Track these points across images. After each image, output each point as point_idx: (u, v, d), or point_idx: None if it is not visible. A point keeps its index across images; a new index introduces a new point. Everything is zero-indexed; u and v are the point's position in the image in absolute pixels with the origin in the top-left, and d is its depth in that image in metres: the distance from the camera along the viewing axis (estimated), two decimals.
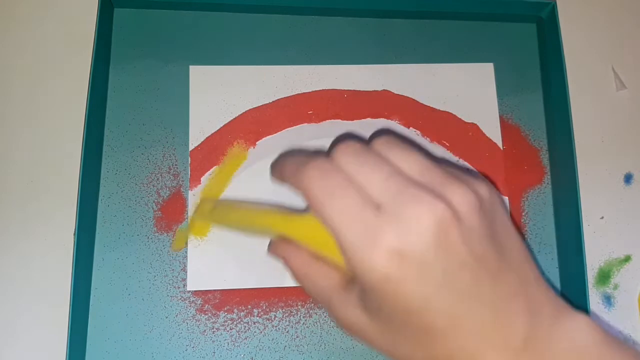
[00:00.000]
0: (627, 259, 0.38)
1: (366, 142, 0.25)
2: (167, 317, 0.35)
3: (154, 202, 0.37)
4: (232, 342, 0.35)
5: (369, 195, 0.23)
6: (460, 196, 0.23)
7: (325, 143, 0.38)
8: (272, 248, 0.29)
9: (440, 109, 0.39)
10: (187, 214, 0.36)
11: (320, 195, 0.23)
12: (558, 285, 0.38)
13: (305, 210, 0.26)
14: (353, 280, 0.25)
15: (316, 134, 0.38)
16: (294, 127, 0.38)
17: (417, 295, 0.22)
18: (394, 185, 0.23)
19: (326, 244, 0.24)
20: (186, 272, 0.36)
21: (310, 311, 0.36)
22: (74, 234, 0.33)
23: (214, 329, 0.35)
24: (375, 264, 0.22)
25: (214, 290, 0.36)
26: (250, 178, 0.37)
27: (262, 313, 0.36)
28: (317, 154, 0.25)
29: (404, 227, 0.22)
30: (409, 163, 0.24)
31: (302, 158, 0.25)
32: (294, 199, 0.37)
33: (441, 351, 0.23)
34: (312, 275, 0.27)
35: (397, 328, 0.24)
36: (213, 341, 0.35)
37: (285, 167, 0.27)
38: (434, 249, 0.22)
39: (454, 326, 0.23)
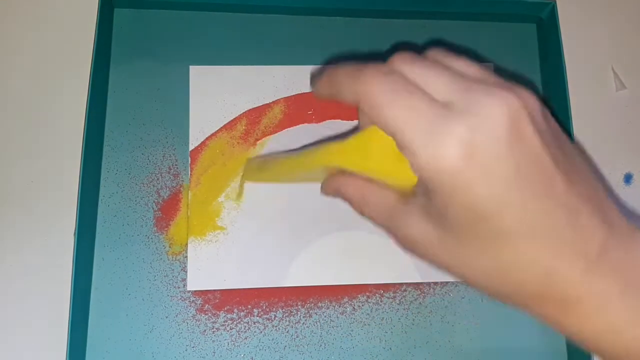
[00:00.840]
0: None
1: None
2: (167, 317, 0.35)
3: (154, 202, 0.37)
4: (232, 342, 0.35)
5: (435, 96, 0.22)
6: (528, 95, 0.22)
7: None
8: (324, 187, 0.28)
9: None
10: (187, 213, 0.36)
11: (383, 96, 0.22)
12: None
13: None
14: (414, 194, 0.24)
15: (316, 134, 0.38)
16: (294, 127, 0.38)
17: (488, 192, 0.21)
18: (461, 84, 0.22)
19: (379, 164, 0.24)
20: (186, 272, 0.36)
21: (310, 311, 0.36)
22: (74, 234, 0.33)
23: (214, 329, 0.35)
24: (444, 160, 0.20)
25: (214, 290, 0.36)
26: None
27: (262, 313, 0.36)
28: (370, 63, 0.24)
29: (475, 120, 0.21)
30: (469, 67, 0.23)
31: (356, 66, 0.24)
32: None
33: (511, 260, 0.22)
34: (369, 196, 0.26)
35: (464, 235, 0.22)
36: (213, 341, 0.35)
37: (337, 75, 0.25)
38: (507, 142, 0.20)
39: (526, 229, 0.21)
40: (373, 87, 0.23)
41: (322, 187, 0.29)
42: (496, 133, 0.21)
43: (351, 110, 0.39)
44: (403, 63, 0.23)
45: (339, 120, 0.39)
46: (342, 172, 0.27)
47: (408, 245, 0.25)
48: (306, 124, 0.38)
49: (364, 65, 0.24)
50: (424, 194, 0.23)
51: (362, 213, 0.27)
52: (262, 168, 0.34)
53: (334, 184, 0.28)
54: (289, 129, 0.38)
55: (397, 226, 0.25)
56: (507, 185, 0.21)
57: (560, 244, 0.22)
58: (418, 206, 0.24)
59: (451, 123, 0.21)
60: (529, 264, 0.22)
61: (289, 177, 0.32)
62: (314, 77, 0.28)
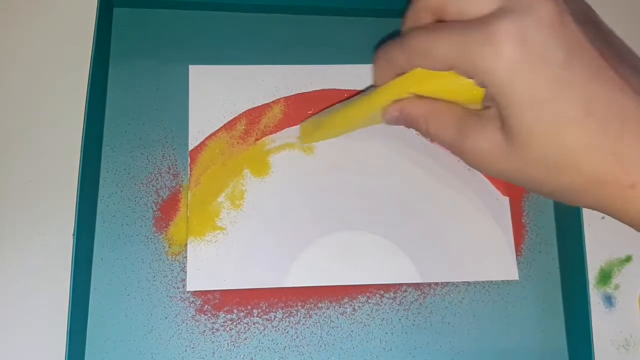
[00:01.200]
0: (628, 259, 0.38)
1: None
2: (166, 318, 0.35)
3: (153, 202, 0.37)
4: (232, 343, 0.35)
5: (479, 13, 0.24)
6: None
7: (325, 143, 0.38)
8: (387, 112, 0.29)
9: None
10: (186, 213, 0.36)
11: (432, 41, 0.25)
12: (559, 285, 0.37)
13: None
14: (483, 108, 0.26)
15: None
16: (294, 127, 0.38)
17: (545, 76, 0.22)
18: None
19: (442, 88, 0.26)
20: (185, 272, 0.35)
21: (310, 312, 0.36)
22: (73, 234, 0.33)
23: (214, 330, 0.35)
24: (502, 55, 0.22)
25: (214, 290, 0.35)
26: (251, 178, 0.37)
27: (261, 313, 0.35)
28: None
29: (521, 15, 0.22)
30: None
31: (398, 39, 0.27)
32: (295, 195, 0.37)
33: (579, 143, 0.23)
34: (436, 111, 0.27)
35: (529, 134, 0.23)
36: (212, 342, 0.35)
37: (386, 56, 0.28)
38: (554, 31, 0.22)
39: (589, 112, 0.22)
40: (420, 45, 0.26)
41: (384, 115, 0.30)
42: (543, 24, 0.22)
43: None
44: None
45: None
46: (404, 99, 0.28)
47: (476, 156, 0.26)
48: None
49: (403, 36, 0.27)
50: (492, 106, 0.25)
51: (427, 130, 0.28)
52: (318, 126, 0.35)
53: (397, 105, 0.29)
54: (288, 128, 0.38)
55: (466, 138, 0.26)
56: (562, 69, 0.22)
57: (621, 126, 0.22)
58: (488, 118, 0.25)
59: (500, 23, 0.22)
60: (592, 148, 0.22)
61: (347, 128, 0.33)
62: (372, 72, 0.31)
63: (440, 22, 0.26)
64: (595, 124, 0.22)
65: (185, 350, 0.35)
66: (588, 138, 0.22)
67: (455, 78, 0.25)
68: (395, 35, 0.29)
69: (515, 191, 0.39)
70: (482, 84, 0.24)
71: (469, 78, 0.24)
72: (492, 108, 0.25)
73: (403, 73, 0.28)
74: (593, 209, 0.25)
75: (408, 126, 0.30)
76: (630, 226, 0.24)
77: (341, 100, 0.37)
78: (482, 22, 0.23)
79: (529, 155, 0.24)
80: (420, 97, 0.28)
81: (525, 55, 0.22)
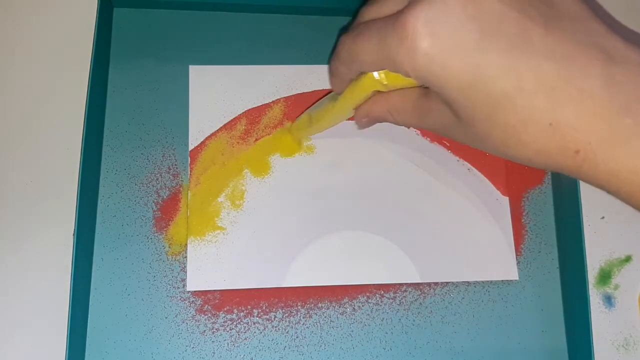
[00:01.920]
0: (628, 259, 0.38)
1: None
2: (166, 318, 0.35)
3: (153, 202, 0.37)
4: (232, 343, 0.35)
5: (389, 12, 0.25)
6: None
7: (325, 143, 0.38)
8: (357, 120, 0.31)
9: None
10: (187, 213, 0.36)
11: (354, 46, 0.26)
12: (559, 285, 0.37)
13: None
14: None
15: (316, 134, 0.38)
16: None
17: (464, 63, 0.22)
18: None
19: (388, 83, 0.27)
20: (185, 272, 0.35)
21: (310, 311, 0.36)
22: (74, 234, 0.33)
23: (214, 330, 0.35)
24: (416, 52, 0.22)
25: (214, 290, 0.35)
26: (251, 178, 0.37)
27: (261, 313, 0.36)
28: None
29: (429, 4, 0.22)
30: None
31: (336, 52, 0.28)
32: (295, 195, 0.37)
33: (515, 120, 0.22)
34: (394, 105, 0.29)
35: (468, 112, 0.24)
36: (213, 342, 0.35)
37: (334, 68, 0.30)
38: (462, 9, 0.21)
39: (518, 88, 0.22)
40: (348, 54, 0.27)
41: (356, 123, 0.32)
42: (452, 8, 0.21)
43: None
44: (360, 16, 0.27)
45: None
46: (365, 102, 0.30)
47: (441, 131, 0.27)
48: None
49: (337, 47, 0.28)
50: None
51: (396, 122, 0.30)
52: (311, 122, 0.36)
53: (362, 112, 0.31)
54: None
55: (426, 121, 0.27)
56: (479, 50, 0.21)
57: (558, 93, 0.21)
58: (435, 98, 0.26)
59: (408, 19, 0.22)
60: (534, 117, 0.22)
61: (331, 123, 0.35)
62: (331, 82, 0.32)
63: (363, 24, 0.26)
64: (526, 98, 0.22)
65: (185, 350, 0.35)
66: (521, 114, 0.22)
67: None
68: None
69: (516, 191, 0.39)
70: (414, 79, 0.24)
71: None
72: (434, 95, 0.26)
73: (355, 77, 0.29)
74: (561, 172, 0.25)
75: (381, 122, 0.31)
76: (601, 189, 0.24)
77: (313, 103, 0.37)
78: (394, 19, 0.23)
79: (478, 132, 0.24)
80: (377, 97, 0.29)
81: (439, 47, 0.22)
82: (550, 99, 0.22)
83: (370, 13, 0.27)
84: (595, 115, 0.21)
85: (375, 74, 0.27)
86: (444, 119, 0.26)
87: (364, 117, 0.31)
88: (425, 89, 0.27)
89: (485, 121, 0.23)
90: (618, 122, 0.21)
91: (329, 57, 0.31)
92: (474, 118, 0.24)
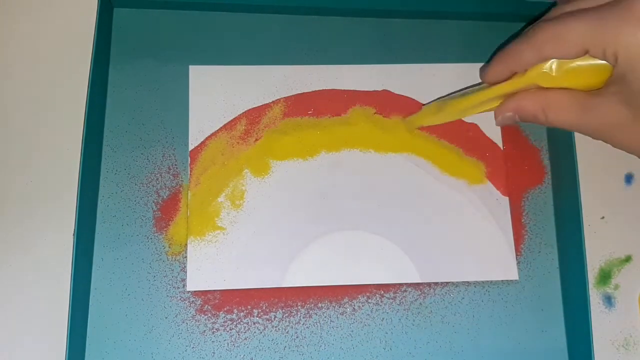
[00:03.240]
0: (628, 259, 0.38)
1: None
2: (166, 318, 0.35)
3: (153, 202, 0.37)
4: (232, 343, 0.35)
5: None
6: None
7: (325, 144, 0.38)
8: (501, 110, 0.31)
9: None
10: (187, 213, 0.36)
11: (563, 28, 0.28)
12: (559, 285, 0.37)
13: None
14: (606, 85, 0.28)
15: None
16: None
17: None
18: None
19: (564, 77, 0.28)
20: (185, 272, 0.35)
21: (310, 312, 0.36)
22: (74, 234, 0.33)
23: (214, 330, 0.35)
24: (633, 31, 0.25)
25: (214, 290, 0.35)
26: (251, 178, 0.37)
27: (261, 313, 0.36)
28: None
29: None
30: None
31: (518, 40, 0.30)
32: (295, 195, 0.37)
33: None
34: (554, 100, 0.29)
35: None
36: (213, 342, 0.35)
37: (512, 50, 0.31)
38: None
39: None
40: (551, 33, 0.28)
41: (497, 116, 0.32)
42: None
43: (345, 107, 0.39)
44: (552, 12, 0.29)
45: (337, 116, 0.39)
46: (515, 94, 0.31)
47: (603, 131, 0.28)
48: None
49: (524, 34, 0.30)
50: (619, 82, 0.27)
51: (546, 120, 0.30)
52: (440, 110, 0.36)
53: (510, 105, 0.31)
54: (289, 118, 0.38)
55: (592, 116, 0.28)
56: None
57: None
58: (612, 93, 0.27)
59: (636, 2, 0.25)
60: None
61: (465, 113, 0.35)
62: (483, 70, 0.33)
63: (567, 13, 0.28)
64: None
65: (185, 350, 0.35)
66: None
67: (585, 63, 0.28)
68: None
69: (516, 191, 0.39)
70: (615, 62, 0.26)
71: (602, 59, 0.27)
72: (614, 84, 0.27)
73: (516, 73, 0.30)
74: None
75: (522, 121, 0.32)
76: None
77: (462, 90, 0.38)
78: (618, 3, 0.25)
79: None
80: (531, 91, 0.30)
81: None
82: None
83: (566, 8, 0.29)
84: None
85: (547, 65, 0.28)
86: (615, 116, 0.27)
87: (511, 111, 0.31)
88: (594, 90, 0.28)
89: None
90: None
91: (497, 49, 0.33)
92: None
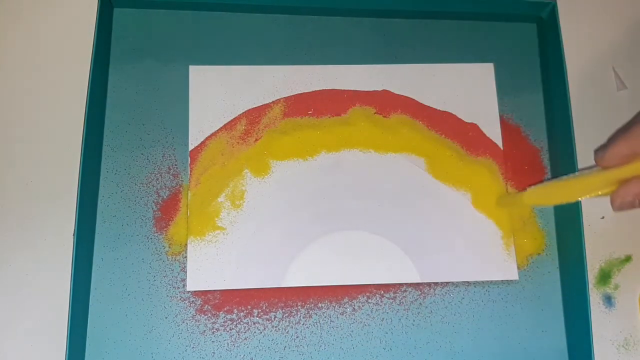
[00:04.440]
0: (628, 259, 0.38)
1: None
2: (166, 318, 0.35)
3: (153, 202, 0.37)
4: (232, 343, 0.35)
5: None
6: None
7: (325, 145, 0.38)
8: (619, 196, 0.30)
9: (440, 109, 0.39)
10: (187, 213, 0.36)
11: None
12: (559, 285, 0.37)
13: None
14: None
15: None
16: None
17: None
18: None
19: None
20: (186, 272, 0.35)
21: (310, 311, 0.36)
22: (74, 234, 0.33)
23: (214, 330, 0.35)
24: None
25: (214, 290, 0.35)
26: (251, 178, 0.37)
27: (261, 313, 0.36)
28: None
29: None
30: None
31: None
32: (295, 195, 0.37)
33: None
34: None
35: None
36: (213, 341, 0.35)
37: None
38: None
39: None
40: None
41: (614, 201, 0.31)
42: None
43: (345, 107, 0.39)
44: None
45: (337, 116, 0.39)
46: (633, 179, 0.30)
47: None
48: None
49: None
50: None
51: None
52: (547, 192, 0.35)
53: (633, 188, 0.30)
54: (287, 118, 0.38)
55: None
56: None
57: None
58: None
59: None
60: None
61: (579, 197, 0.34)
62: (601, 151, 0.32)
63: None
64: None
65: (185, 350, 0.35)
66: None
67: None
68: None
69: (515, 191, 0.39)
70: None
71: None
72: None
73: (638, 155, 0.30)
74: None
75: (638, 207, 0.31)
76: None
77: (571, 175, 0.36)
78: None
79: None
80: None
81: None
82: None
83: None
84: None
85: None
86: None
87: (630, 196, 0.30)
88: None
89: None
90: None
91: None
92: None
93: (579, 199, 0.33)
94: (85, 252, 0.35)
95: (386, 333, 0.36)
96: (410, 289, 0.37)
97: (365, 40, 0.40)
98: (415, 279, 0.36)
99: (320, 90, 0.39)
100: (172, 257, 0.36)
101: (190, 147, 0.37)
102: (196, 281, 0.35)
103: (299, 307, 0.36)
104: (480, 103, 0.40)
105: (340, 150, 0.38)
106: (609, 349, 0.37)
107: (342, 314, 0.36)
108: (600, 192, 0.32)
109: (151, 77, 0.38)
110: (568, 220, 0.37)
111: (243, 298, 0.36)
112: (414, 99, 0.39)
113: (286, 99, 0.39)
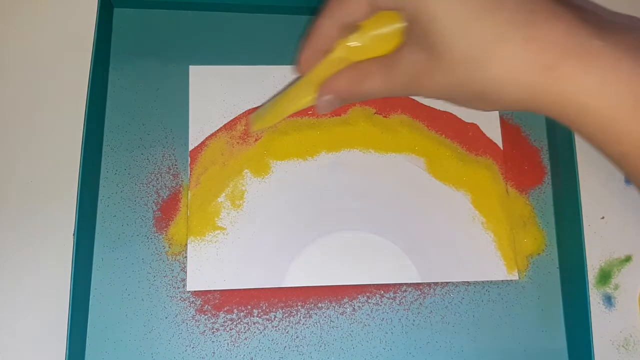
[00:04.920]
0: (628, 259, 0.38)
1: None
2: (166, 318, 0.35)
3: (153, 202, 0.37)
4: (232, 343, 0.35)
5: None
6: None
7: (325, 145, 0.38)
8: (318, 100, 0.30)
9: (441, 109, 0.39)
10: (187, 213, 0.36)
11: None
12: (559, 285, 0.37)
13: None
14: (404, 40, 0.28)
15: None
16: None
17: (451, 19, 0.24)
18: None
19: (364, 51, 0.28)
20: (186, 272, 0.35)
21: (310, 312, 0.36)
22: (74, 234, 0.33)
23: (214, 330, 0.35)
24: None
25: (214, 290, 0.36)
26: (251, 178, 0.37)
27: (261, 313, 0.36)
28: None
29: None
30: None
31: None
32: (295, 195, 0.37)
33: (491, 77, 0.25)
34: (363, 72, 0.29)
35: (449, 62, 0.25)
36: (213, 342, 0.35)
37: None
38: None
39: (498, 7, 0.24)
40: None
41: (317, 102, 0.31)
42: None
43: (345, 107, 0.39)
44: None
45: (337, 117, 0.39)
46: (328, 78, 0.30)
47: (412, 85, 0.28)
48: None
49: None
50: (410, 30, 0.27)
51: (363, 91, 0.29)
52: (264, 113, 0.35)
53: (326, 86, 0.30)
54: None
55: (398, 73, 0.28)
56: (464, 9, 0.24)
57: (530, 15, 0.24)
58: (408, 45, 0.27)
59: None
60: (504, 37, 0.24)
61: (288, 110, 0.33)
62: (296, 62, 0.31)
63: None
64: (505, 14, 0.24)
65: (185, 350, 0.35)
66: (498, 28, 0.24)
67: (384, 30, 0.28)
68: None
69: (516, 191, 0.39)
70: (403, 7, 0.26)
71: (393, 9, 0.27)
72: (408, 34, 0.27)
73: (326, 53, 0.29)
74: (526, 107, 0.26)
75: (343, 102, 0.31)
76: (567, 121, 0.25)
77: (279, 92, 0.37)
78: None
79: (451, 61, 0.25)
80: (338, 73, 0.30)
81: None
82: (528, 17, 0.24)
83: None
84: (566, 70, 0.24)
85: (350, 37, 0.28)
86: (416, 65, 0.27)
87: (329, 93, 0.30)
88: (393, 53, 0.28)
89: (461, 43, 0.25)
90: (590, 75, 0.24)
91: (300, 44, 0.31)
92: (452, 45, 0.25)
93: (291, 112, 0.33)
94: (85, 252, 0.35)
95: (386, 333, 0.36)
96: (410, 289, 0.37)
97: None
98: (415, 279, 0.36)
99: None
100: (172, 257, 0.36)
101: (190, 147, 0.37)
102: (196, 281, 0.35)
103: (299, 307, 0.36)
104: None
105: (340, 150, 0.38)
106: (609, 349, 0.37)
107: (342, 314, 0.36)
108: (306, 100, 0.31)
109: (151, 77, 0.38)
110: (568, 220, 0.37)
111: (243, 298, 0.36)
112: (414, 99, 0.39)
113: None
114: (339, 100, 0.30)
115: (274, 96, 0.36)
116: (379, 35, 0.28)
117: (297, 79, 0.32)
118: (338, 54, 0.29)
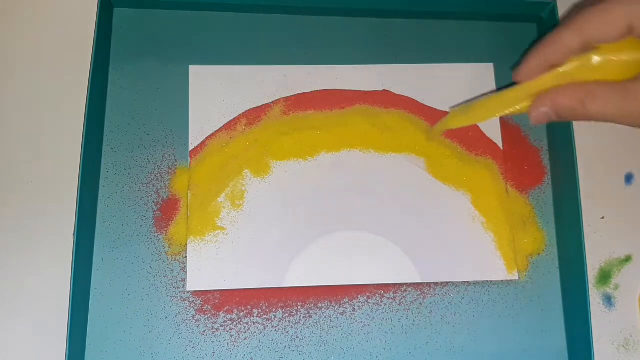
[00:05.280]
0: (628, 259, 0.38)
1: None
2: (166, 318, 0.35)
3: (153, 202, 0.37)
4: (232, 343, 0.35)
5: None
6: None
7: (325, 145, 0.38)
8: (536, 106, 0.30)
9: (441, 109, 0.39)
10: (187, 213, 0.36)
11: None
12: (559, 285, 0.37)
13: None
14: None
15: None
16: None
17: None
18: None
19: (602, 69, 0.28)
20: (186, 272, 0.35)
21: (310, 312, 0.36)
22: (74, 234, 0.33)
23: (214, 330, 0.35)
24: None
25: (214, 290, 0.36)
26: (251, 178, 0.37)
27: (261, 313, 0.36)
28: None
29: None
30: None
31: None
32: (295, 195, 0.37)
33: None
34: (593, 92, 0.28)
35: None
36: (212, 341, 0.35)
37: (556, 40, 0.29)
38: None
39: None
40: (593, 14, 0.27)
41: (531, 111, 0.30)
42: None
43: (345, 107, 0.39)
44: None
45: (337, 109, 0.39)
46: (548, 90, 0.30)
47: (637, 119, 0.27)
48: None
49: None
50: None
51: (586, 112, 0.29)
52: (467, 111, 0.35)
53: (546, 98, 0.29)
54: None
55: (634, 102, 0.27)
56: None
57: None
58: None
59: None
60: None
61: (494, 113, 0.33)
62: (516, 67, 0.31)
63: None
64: None
65: (185, 350, 0.35)
66: None
67: (627, 48, 0.27)
68: None
69: (515, 191, 0.39)
70: None
71: None
72: None
73: (554, 66, 0.29)
74: None
75: (558, 118, 0.30)
76: None
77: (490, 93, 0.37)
78: None
79: None
80: (566, 86, 0.29)
81: None
82: None
83: None
84: None
85: (587, 57, 0.28)
86: None
87: (546, 107, 0.30)
88: (630, 78, 0.27)
89: None
90: None
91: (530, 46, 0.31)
92: None
93: (498, 115, 0.33)
94: (85, 252, 0.35)
95: (386, 333, 0.36)
96: (410, 289, 0.37)
97: (365, 40, 0.40)
98: (415, 279, 0.36)
99: (320, 91, 0.39)
100: (172, 257, 0.36)
101: (190, 147, 0.37)
102: (196, 281, 0.35)
103: (299, 307, 0.36)
104: None
105: (340, 150, 0.38)
106: (609, 349, 0.37)
107: (342, 314, 0.36)
108: (517, 107, 0.31)
109: (151, 77, 0.38)
110: (568, 220, 0.37)
111: (243, 298, 0.36)
112: (414, 99, 0.39)
113: (286, 99, 0.39)
114: (556, 114, 0.30)
115: (479, 96, 0.35)
116: (619, 62, 0.28)
117: (511, 84, 0.32)
118: (566, 69, 0.29)
